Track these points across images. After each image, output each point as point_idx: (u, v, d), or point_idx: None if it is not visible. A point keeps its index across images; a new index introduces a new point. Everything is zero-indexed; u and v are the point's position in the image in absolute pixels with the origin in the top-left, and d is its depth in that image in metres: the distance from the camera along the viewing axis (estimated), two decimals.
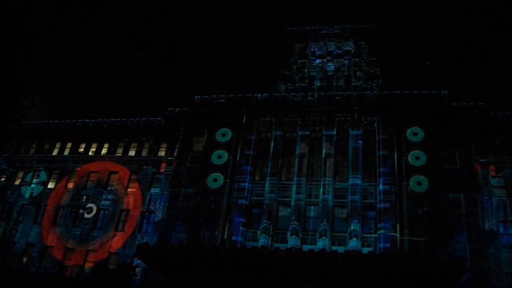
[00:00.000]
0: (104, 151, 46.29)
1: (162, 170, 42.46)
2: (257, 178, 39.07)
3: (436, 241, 32.88)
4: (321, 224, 35.08)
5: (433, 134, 37.60)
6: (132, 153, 45.25)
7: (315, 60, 45.68)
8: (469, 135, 37.75)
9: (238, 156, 39.62)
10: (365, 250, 32.98)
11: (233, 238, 35.71)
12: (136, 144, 45.53)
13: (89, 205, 42.82)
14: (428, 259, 28.69)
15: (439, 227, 33.51)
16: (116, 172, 44.27)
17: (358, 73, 43.90)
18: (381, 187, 35.69)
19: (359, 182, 36.53)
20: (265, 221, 36.08)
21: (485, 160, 36.89)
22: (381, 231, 33.87)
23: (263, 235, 35.47)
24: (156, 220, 39.73)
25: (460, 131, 37.99)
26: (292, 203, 36.75)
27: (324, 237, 34.38)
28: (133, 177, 43.42)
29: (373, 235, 34.49)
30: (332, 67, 44.82)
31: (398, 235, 33.53)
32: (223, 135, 40.94)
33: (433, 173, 35.70)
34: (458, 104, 38.96)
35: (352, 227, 34.57)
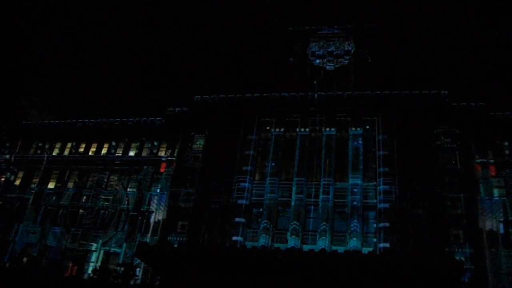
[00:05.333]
0: (104, 151, 46.30)
1: (162, 170, 42.46)
2: (257, 178, 39.07)
3: (436, 241, 32.87)
4: (321, 224, 35.09)
5: (433, 134, 37.60)
6: (132, 153, 45.27)
7: (315, 60, 45.67)
8: (469, 135, 37.76)
9: (238, 156, 39.59)
10: (365, 250, 32.95)
11: (233, 238, 35.71)
12: (136, 144, 45.54)
13: (89, 205, 42.84)
14: (428, 259, 28.66)
15: (439, 227, 33.51)
16: (116, 172, 44.27)
17: (358, 73, 43.87)
18: (381, 187, 35.68)
19: (359, 182, 36.54)
20: (265, 221, 36.08)
21: (485, 160, 36.91)
22: (381, 231, 33.87)
23: (263, 235, 35.47)
24: (156, 220, 39.72)
25: (460, 131, 38.01)
26: (292, 203, 36.74)
27: (324, 237, 34.40)
28: (133, 177, 43.44)
29: (373, 235, 34.49)
30: (332, 67, 44.81)
31: (398, 235, 33.51)
32: (223, 135, 40.90)
33: (433, 173, 35.69)
34: (458, 104, 38.96)
35: (352, 227, 34.58)
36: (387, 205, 34.74)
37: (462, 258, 31.53)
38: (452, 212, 34.41)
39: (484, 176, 36.32)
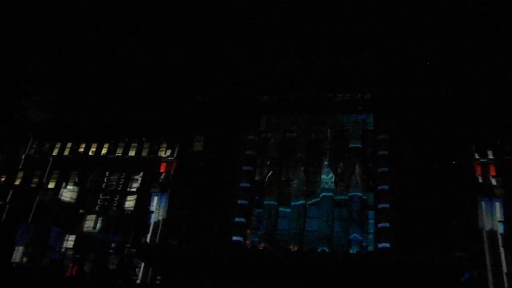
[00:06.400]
0: (104, 151, 46.33)
1: (162, 170, 42.50)
2: (257, 178, 39.04)
3: (436, 241, 32.84)
4: (321, 224, 35.03)
5: (433, 134, 37.56)
6: (132, 153, 45.29)
7: (315, 60, 45.54)
8: (469, 135, 37.76)
9: (238, 156, 39.56)
10: (365, 250, 32.96)
11: (233, 238, 35.67)
12: (136, 144, 45.58)
13: (89, 205, 42.87)
14: (428, 259, 28.69)
15: (439, 227, 33.48)
16: (116, 172, 44.31)
17: (358, 73, 43.78)
18: (381, 187, 35.63)
19: (359, 182, 36.48)
20: (265, 221, 36.04)
21: (485, 160, 36.91)
22: (381, 231, 33.84)
23: (263, 235, 35.40)
24: (156, 220, 39.74)
25: (460, 131, 38.00)
26: (292, 203, 36.69)
27: (324, 237, 34.32)
28: (133, 177, 43.48)
29: (373, 236, 34.46)
30: (332, 67, 44.64)
31: (398, 235, 33.49)
32: (223, 135, 40.91)
33: (433, 173, 35.65)
34: (458, 104, 38.92)
35: (352, 227, 34.51)
36: (387, 205, 34.67)
37: (462, 258, 31.47)
38: (452, 212, 34.37)
39: (484, 176, 36.31)
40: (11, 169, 47.99)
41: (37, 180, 46.44)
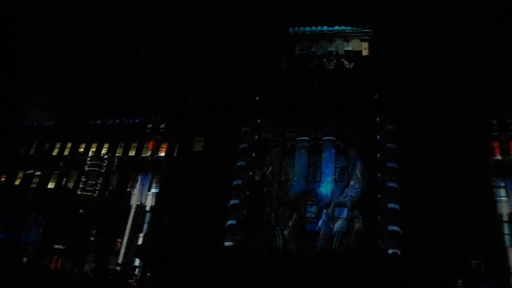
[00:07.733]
0: (104, 151, 46.26)
1: (162, 170, 42.42)
2: (257, 178, 38.89)
3: (438, 241, 32.57)
4: (321, 224, 34.86)
5: (434, 134, 37.35)
6: (132, 153, 45.20)
7: (315, 60, 45.43)
8: (471, 134, 37.49)
9: (238, 156, 39.44)
10: (366, 250, 32.71)
11: (232, 238, 35.46)
12: (136, 144, 45.49)
13: (89, 205, 42.84)
14: (429, 259, 28.52)
15: (442, 226, 33.22)
16: (116, 172, 44.25)
17: (358, 72, 43.65)
18: (382, 186, 35.41)
19: (360, 180, 36.30)
20: (265, 221, 35.88)
21: (487, 159, 36.66)
22: (382, 231, 33.62)
23: (262, 235, 35.23)
24: (156, 220, 39.63)
25: (462, 130, 37.75)
26: (292, 203, 36.51)
27: (324, 237, 34.14)
28: (133, 177, 43.40)
29: (373, 235, 34.21)
30: (332, 67, 44.55)
31: (399, 234, 33.25)
32: (223, 135, 40.79)
33: (435, 172, 35.41)
34: (459, 104, 38.69)
35: (352, 227, 34.32)
36: (388, 205, 34.34)
37: (464, 258, 31.12)
38: (455, 211, 34.09)
39: (487, 175, 35.97)
40: (11, 169, 47.97)
41: (37, 180, 46.42)
